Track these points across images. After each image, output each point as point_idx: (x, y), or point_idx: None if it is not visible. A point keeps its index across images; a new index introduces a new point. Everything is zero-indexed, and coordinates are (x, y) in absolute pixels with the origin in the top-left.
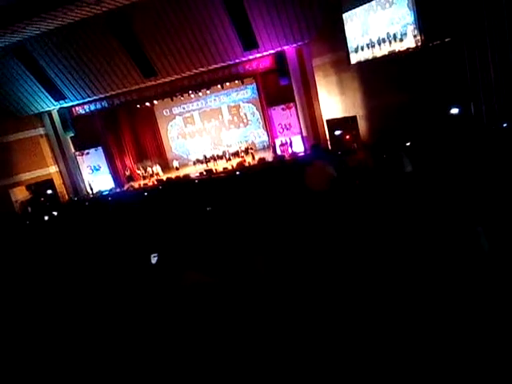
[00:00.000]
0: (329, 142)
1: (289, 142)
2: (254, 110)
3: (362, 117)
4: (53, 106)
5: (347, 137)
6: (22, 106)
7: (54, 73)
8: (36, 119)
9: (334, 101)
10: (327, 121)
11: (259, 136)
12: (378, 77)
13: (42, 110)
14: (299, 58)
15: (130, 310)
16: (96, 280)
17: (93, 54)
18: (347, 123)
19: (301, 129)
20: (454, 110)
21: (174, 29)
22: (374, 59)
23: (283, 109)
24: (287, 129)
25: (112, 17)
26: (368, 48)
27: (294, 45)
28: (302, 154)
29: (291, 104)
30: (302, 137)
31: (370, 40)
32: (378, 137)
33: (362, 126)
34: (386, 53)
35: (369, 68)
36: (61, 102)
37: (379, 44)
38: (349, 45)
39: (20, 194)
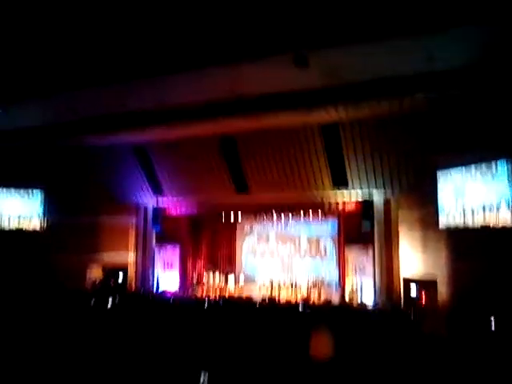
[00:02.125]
0: (402, 300)
1: (359, 286)
2: (331, 246)
3: (442, 281)
4: (150, 201)
5: (423, 299)
6: (125, 195)
7: (161, 173)
8: (132, 208)
9: (415, 258)
10: (404, 278)
11: (330, 272)
12: (468, 244)
13: (141, 201)
14: (386, 207)
15: None
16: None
17: (197, 162)
18: (425, 284)
19: (374, 276)
20: None
21: (274, 155)
22: (466, 227)
23: (360, 251)
24: (361, 272)
25: (224, 136)
26: (459, 213)
27: (383, 192)
28: (372, 306)
29: (369, 249)
30: (375, 285)
31: (463, 206)
32: (458, 305)
33: (441, 290)
34: (479, 226)
35: (458, 233)
36: (158, 198)
37: (472, 213)
38: (439, 205)
39: (95, 272)
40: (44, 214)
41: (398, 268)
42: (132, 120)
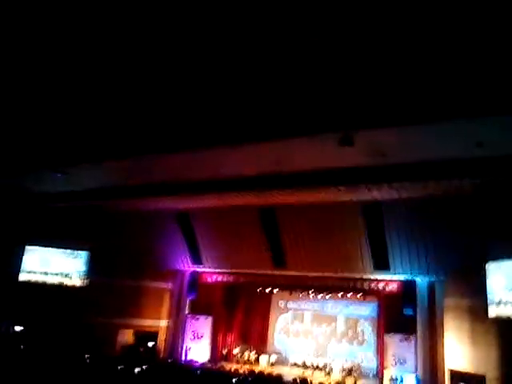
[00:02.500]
0: None
1: (399, 379)
2: (369, 330)
3: (492, 377)
4: (188, 268)
5: None
6: (164, 261)
7: (202, 241)
8: (169, 274)
9: (462, 350)
10: (450, 371)
11: (367, 360)
12: None
13: (179, 268)
14: (430, 293)
15: None
16: None
17: (237, 232)
18: (473, 378)
19: (416, 368)
20: None
21: (314, 231)
22: None
23: (401, 339)
24: (400, 363)
25: (264, 208)
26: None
27: (427, 278)
28: None
29: (411, 337)
30: (417, 377)
31: None
32: None
33: None
34: None
35: (510, 326)
36: (196, 266)
37: None
38: (489, 296)
39: (126, 336)
40: (85, 274)
41: (443, 359)
42: (178, 189)
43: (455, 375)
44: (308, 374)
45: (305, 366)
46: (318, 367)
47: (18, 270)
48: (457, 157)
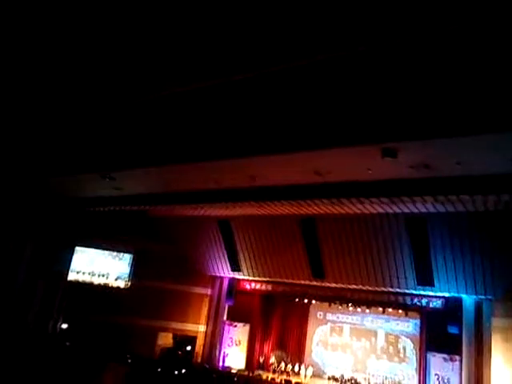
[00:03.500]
0: None
1: None
2: (411, 348)
3: None
4: (227, 274)
5: None
6: (205, 267)
7: (241, 248)
8: (208, 279)
9: (510, 373)
10: None
11: (408, 378)
12: None
13: (218, 274)
14: (477, 312)
15: None
16: None
17: (277, 241)
18: None
19: None
20: None
21: (355, 243)
22: None
23: (445, 359)
24: (444, 382)
25: (305, 217)
26: None
27: (474, 296)
28: None
29: (455, 357)
30: None
31: None
32: None
33: None
34: None
35: None
36: (235, 273)
37: None
38: None
39: (165, 339)
40: (129, 276)
41: (489, 382)
42: (220, 196)
43: None
44: None
45: (342, 380)
46: (356, 382)
47: (67, 270)
48: (506, 171)
